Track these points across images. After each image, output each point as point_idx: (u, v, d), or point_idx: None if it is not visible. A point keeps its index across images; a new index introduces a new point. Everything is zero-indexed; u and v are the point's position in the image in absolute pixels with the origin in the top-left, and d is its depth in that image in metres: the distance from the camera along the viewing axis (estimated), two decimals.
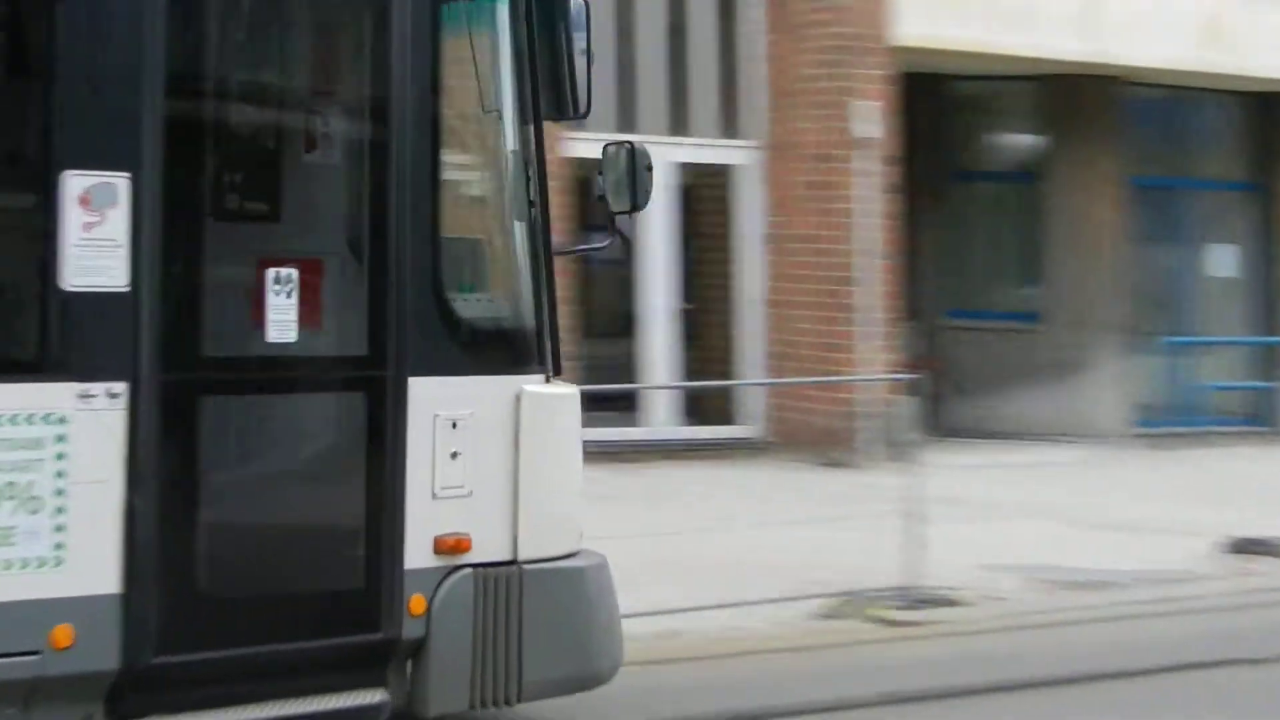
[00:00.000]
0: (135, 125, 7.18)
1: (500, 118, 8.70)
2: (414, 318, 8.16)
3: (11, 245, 7.35)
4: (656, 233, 23.47)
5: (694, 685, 11.13)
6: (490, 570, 8.33)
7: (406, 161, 8.14)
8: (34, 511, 7.04)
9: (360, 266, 8.27)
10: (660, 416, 23.33)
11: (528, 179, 8.63)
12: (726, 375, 23.91)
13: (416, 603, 8.18)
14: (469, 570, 8.30)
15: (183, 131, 7.40)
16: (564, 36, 8.67)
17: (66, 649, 7.17)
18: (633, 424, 23.14)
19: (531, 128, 8.75)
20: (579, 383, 18.25)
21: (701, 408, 23.96)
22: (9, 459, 7.01)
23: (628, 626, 9.11)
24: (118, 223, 7.09)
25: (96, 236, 7.02)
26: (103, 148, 7.09)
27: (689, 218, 24.24)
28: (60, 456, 7.04)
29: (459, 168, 8.91)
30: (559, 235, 9.55)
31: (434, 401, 8.20)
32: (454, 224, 8.64)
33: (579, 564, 8.65)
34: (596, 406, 22.30)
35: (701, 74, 24.11)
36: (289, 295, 7.84)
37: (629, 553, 15.35)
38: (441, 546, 8.25)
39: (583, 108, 8.73)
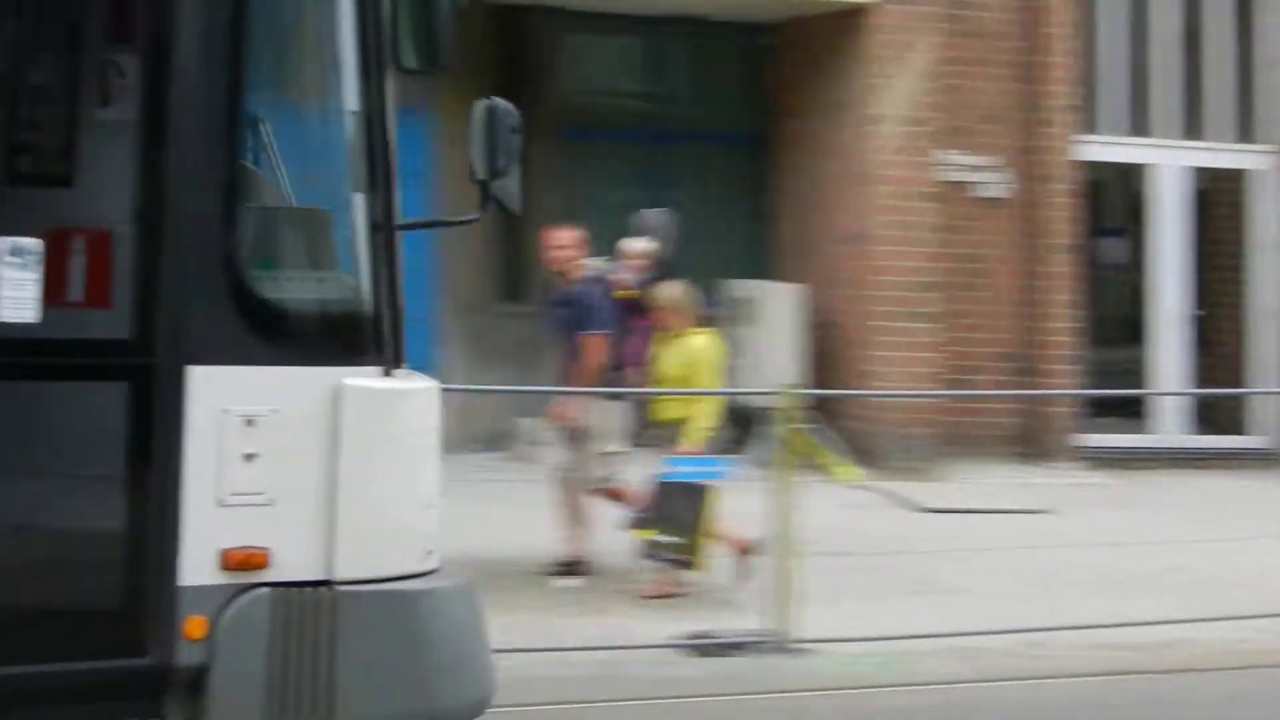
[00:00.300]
0: None
1: (332, 70, 7.36)
2: (196, 298, 6.91)
3: None
4: (1169, 238, 23.18)
5: (1209, 697, 11.08)
6: (295, 591, 6.97)
7: (196, 118, 6.95)
8: None
9: (132, 238, 7.09)
10: (1170, 424, 22.98)
11: (367, 143, 7.25)
12: (1238, 383, 23.37)
13: (195, 624, 6.88)
14: (265, 590, 6.95)
15: None
16: None
17: None
18: (1141, 430, 22.85)
19: (375, 82, 7.28)
20: (1085, 387, 18.11)
21: (1212, 416, 23.49)
22: None
23: (1123, 635, 8.76)
24: None
25: None
26: None
27: (1202, 223, 23.79)
28: None
29: (267, 126, 7.62)
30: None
31: (221, 394, 6.88)
32: (259, 192, 7.43)
33: (416, 587, 7.18)
34: (1103, 412, 22.30)
35: (1216, 77, 23.64)
36: (30, 269, 6.79)
37: (1131, 560, 15.48)
38: (230, 561, 6.93)
39: (443, 59, 7.22)
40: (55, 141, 7.40)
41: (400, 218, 7.34)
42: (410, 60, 7.32)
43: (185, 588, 6.93)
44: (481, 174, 7.28)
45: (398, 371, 7.38)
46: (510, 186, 7.42)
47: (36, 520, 7.11)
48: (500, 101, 7.34)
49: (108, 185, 7.27)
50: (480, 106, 7.36)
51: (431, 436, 7.44)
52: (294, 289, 7.29)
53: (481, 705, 7.49)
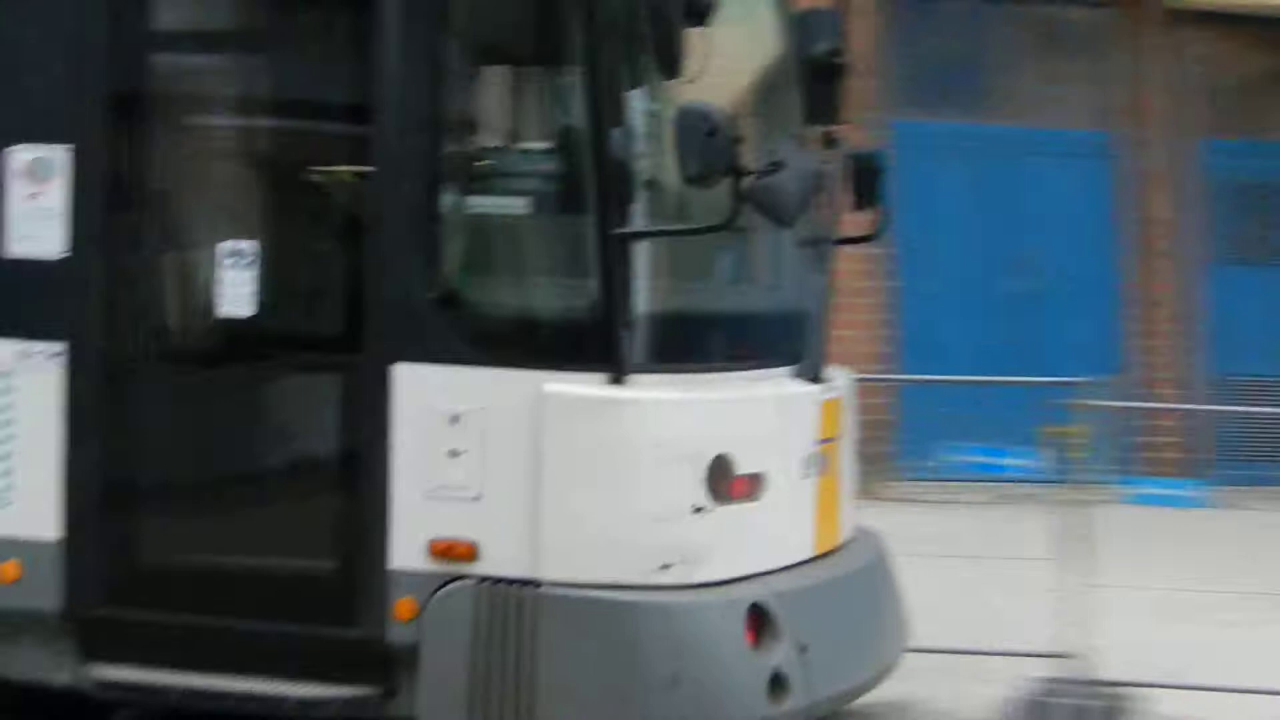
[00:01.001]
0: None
1: (566, 88, 7.25)
2: (406, 300, 7.07)
3: None
4: None
5: None
6: (501, 586, 6.95)
7: (409, 138, 7.05)
8: None
9: (345, 246, 7.42)
10: None
11: (593, 157, 6.98)
12: None
13: (404, 606, 7.01)
14: (471, 582, 6.95)
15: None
16: None
17: (15, 582, 7.24)
18: None
19: (611, 90, 6.97)
20: None
21: None
22: None
23: None
24: None
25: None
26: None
27: None
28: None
29: (486, 135, 7.63)
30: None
31: (427, 392, 7.02)
32: (473, 200, 7.37)
33: (629, 598, 6.87)
34: None
35: None
36: (247, 269, 7.17)
37: None
38: (437, 550, 7.01)
39: (678, 71, 6.84)
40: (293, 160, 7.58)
41: (635, 225, 6.85)
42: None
43: (395, 570, 7.03)
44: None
45: (645, 378, 6.92)
46: (776, 194, 6.84)
47: (266, 494, 7.40)
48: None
49: (334, 195, 7.56)
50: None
51: (673, 448, 6.89)
52: (499, 295, 7.30)
53: None
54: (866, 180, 8.33)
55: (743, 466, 6.91)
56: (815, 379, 7.56)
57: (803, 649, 6.90)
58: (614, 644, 6.83)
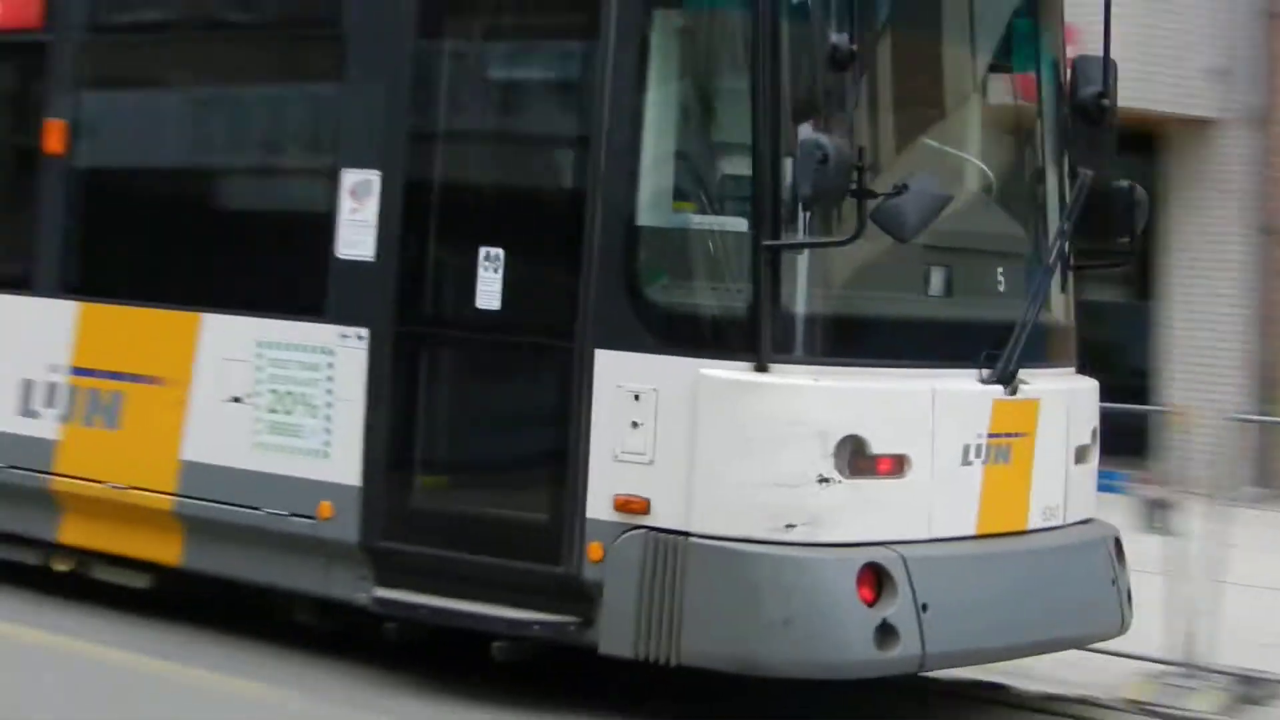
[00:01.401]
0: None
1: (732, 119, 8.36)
2: (604, 297, 8.37)
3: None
4: None
5: None
6: (663, 535, 8.21)
7: (610, 157, 8.35)
8: (313, 415, 9.08)
9: (558, 251, 8.65)
10: None
11: (753, 176, 8.12)
12: None
13: (595, 549, 8.37)
14: (643, 531, 8.26)
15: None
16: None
17: (328, 519, 8.98)
18: None
19: (763, 125, 8.10)
20: None
21: None
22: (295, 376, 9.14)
23: None
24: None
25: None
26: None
27: None
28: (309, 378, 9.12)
29: (659, 155, 8.57)
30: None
31: (617, 373, 8.31)
32: (659, 219, 8.53)
33: (754, 550, 8.00)
34: None
35: None
36: (497, 271, 8.56)
37: None
38: (619, 505, 8.31)
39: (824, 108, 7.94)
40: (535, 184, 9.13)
41: (786, 237, 8.06)
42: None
43: (590, 520, 8.45)
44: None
45: (785, 366, 8.13)
46: (894, 214, 7.87)
47: (500, 454, 9.04)
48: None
49: (545, 213, 8.95)
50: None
51: (801, 426, 8.02)
52: (676, 295, 8.49)
53: (815, 668, 8.04)
54: (1124, 212, 9.26)
55: (878, 448, 8.04)
56: (1002, 381, 8.55)
57: (923, 607, 7.94)
58: (740, 588, 8.07)
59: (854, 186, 7.79)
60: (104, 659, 9.28)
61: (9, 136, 11.03)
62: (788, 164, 8.04)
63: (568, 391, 8.52)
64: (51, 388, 10.09)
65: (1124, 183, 9.44)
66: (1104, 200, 9.19)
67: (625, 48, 8.35)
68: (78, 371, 10.01)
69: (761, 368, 8.15)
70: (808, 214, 8.04)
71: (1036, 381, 8.73)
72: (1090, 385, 9.33)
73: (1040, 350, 8.91)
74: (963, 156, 9.03)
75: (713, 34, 8.55)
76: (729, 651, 8.11)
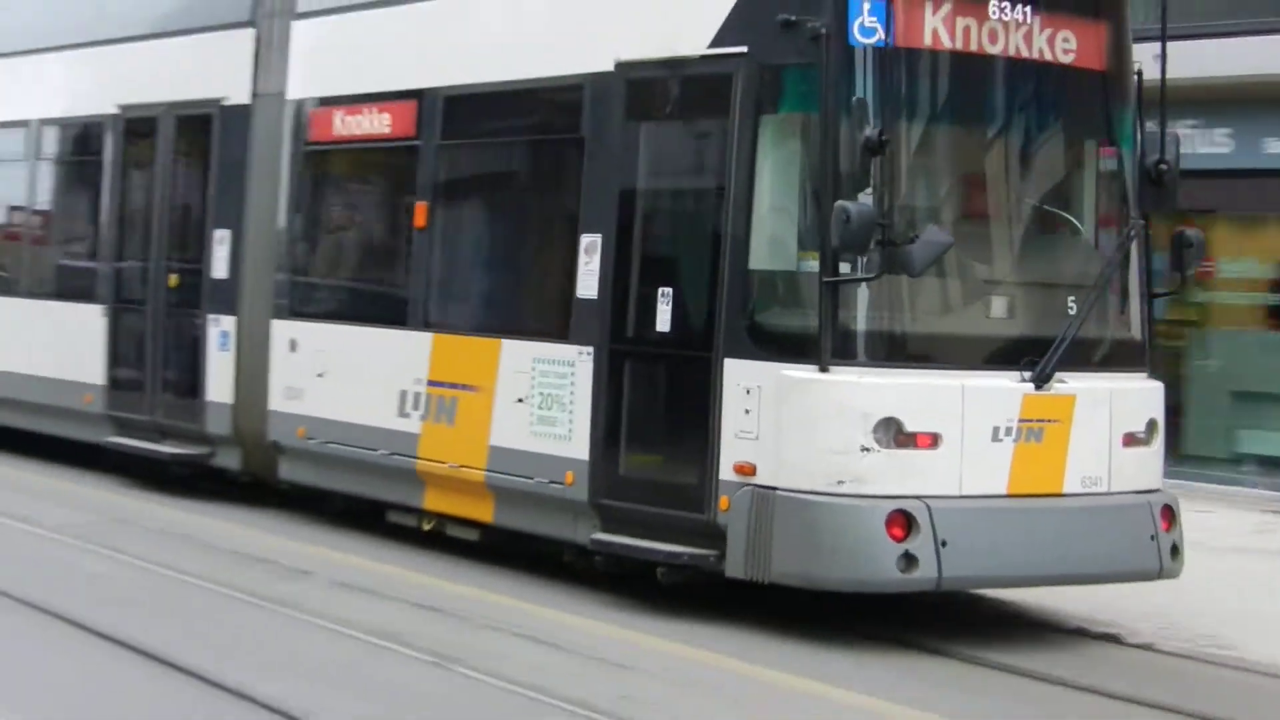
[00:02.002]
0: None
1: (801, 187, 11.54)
2: (730, 322, 11.49)
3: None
4: None
5: None
6: (762, 490, 11.31)
7: (736, 214, 11.47)
8: (562, 410, 12.43)
9: (703, 289, 11.78)
10: None
11: (821, 224, 11.05)
12: None
13: (724, 502, 11.54)
14: (750, 488, 11.40)
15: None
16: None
17: (570, 484, 12.49)
18: None
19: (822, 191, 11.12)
20: None
21: None
22: (545, 379, 12.61)
23: None
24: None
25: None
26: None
27: None
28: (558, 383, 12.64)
29: (760, 218, 11.51)
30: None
31: (737, 375, 11.48)
32: (762, 257, 11.56)
33: (811, 499, 11.01)
34: None
35: None
36: (668, 304, 11.78)
37: None
38: (737, 469, 11.46)
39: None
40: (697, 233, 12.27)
41: (853, 271, 11.08)
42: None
43: (721, 480, 11.72)
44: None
45: (842, 367, 11.18)
46: (905, 258, 10.89)
47: (668, 432, 12.30)
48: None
49: (697, 263, 12.04)
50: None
51: (849, 411, 11.06)
52: (769, 318, 11.78)
53: (854, 584, 11.17)
54: (1183, 253, 11.99)
55: (912, 426, 11.02)
56: (1037, 380, 11.35)
57: (943, 543, 10.89)
58: (806, 526, 11.23)
59: (880, 238, 10.78)
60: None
61: (394, 214, 14.96)
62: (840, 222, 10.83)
63: (708, 390, 11.68)
64: (416, 396, 13.80)
65: (1184, 230, 12.20)
66: (1172, 243, 12.08)
67: (742, 143, 11.46)
68: (432, 384, 13.69)
69: (824, 369, 11.11)
70: (852, 259, 10.98)
71: (1077, 381, 11.52)
72: (1149, 386, 12.04)
73: (1093, 357, 11.80)
74: (1003, 213, 11.98)
75: (795, 132, 11.53)
76: (800, 570, 11.21)
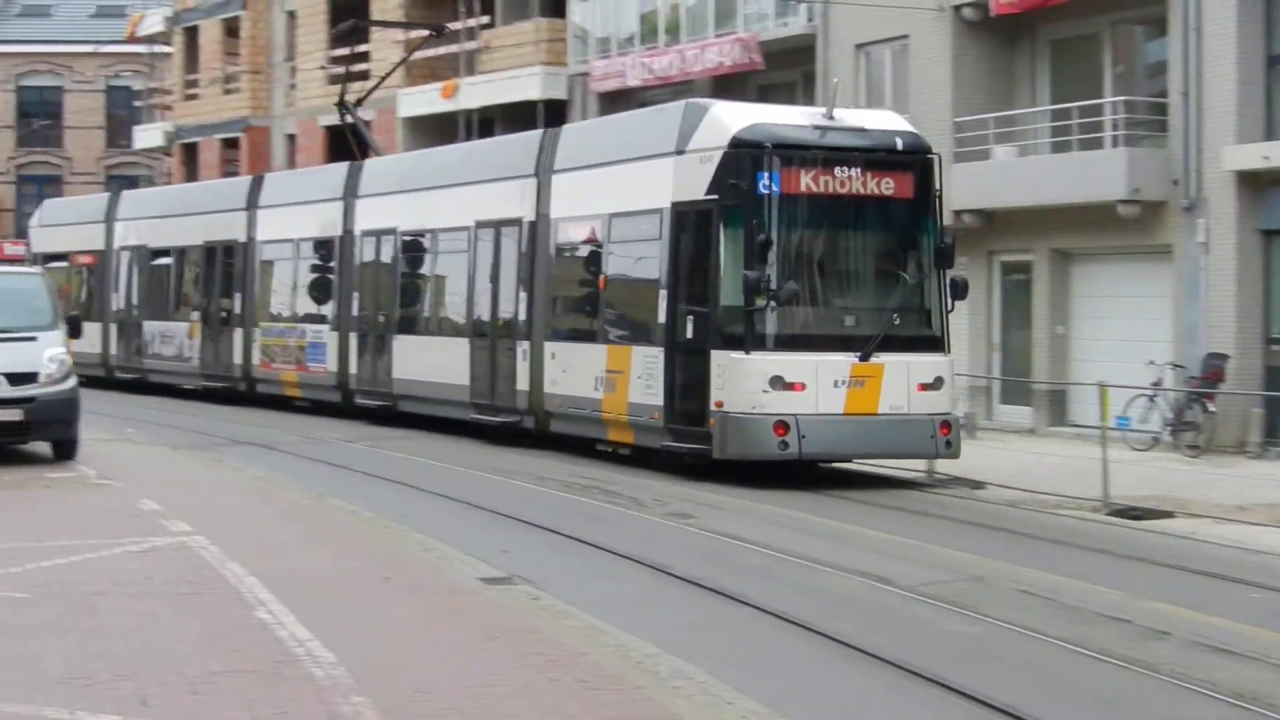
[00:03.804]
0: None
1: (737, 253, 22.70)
2: (716, 332, 22.46)
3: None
4: None
5: None
6: (721, 412, 22.85)
7: (716, 278, 22.83)
8: (654, 381, 23.86)
9: (703, 312, 23.03)
10: None
11: (743, 282, 22.62)
12: None
13: (711, 421, 23.09)
14: (721, 412, 22.86)
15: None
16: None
17: (657, 419, 24.16)
18: None
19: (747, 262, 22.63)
20: None
21: None
22: (648, 365, 23.83)
23: None
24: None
25: None
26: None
27: None
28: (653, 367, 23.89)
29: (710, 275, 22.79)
30: None
31: (718, 360, 22.94)
32: (727, 299, 22.48)
33: (736, 415, 22.44)
34: None
35: None
36: (690, 320, 23.32)
37: None
38: (716, 404, 23.00)
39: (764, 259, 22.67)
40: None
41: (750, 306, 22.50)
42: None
43: (711, 410, 23.39)
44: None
45: (756, 353, 22.80)
46: (782, 294, 22.63)
47: (691, 388, 23.67)
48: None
49: (699, 296, 23.56)
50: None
51: (757, 374, 22.82)
52: (729, 329, 23.29)
53: (759, 456, 22.83)
54: (956, 287, 23.23)
55: (789, 379, 22.28)
56: (863, 357, 22.56)
57: (803, 436, 22.24)
58: (740, 430, 22.61)
59: (771, 289, 22.06)
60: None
61: (593, 282, 26.49)
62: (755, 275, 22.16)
63: (707, 368, 22.68)
64: (598, 379, 25.34)
65: (957, 276, 23.41)
66: (950, 284, 23.29)
67: (716, 242, 22.74)
68: (607, 372, 25.19)
69: (748, 354, 22.31)
70: (755, 299, 22.14)
71: (889, 357, 22.66)
72: (940, 359, 23.19)
73: (906, 346, 22.95)
74: (848, 272, 23.35)
75: (736, 237, 22.66)
76: (738, 451, 22.57)
